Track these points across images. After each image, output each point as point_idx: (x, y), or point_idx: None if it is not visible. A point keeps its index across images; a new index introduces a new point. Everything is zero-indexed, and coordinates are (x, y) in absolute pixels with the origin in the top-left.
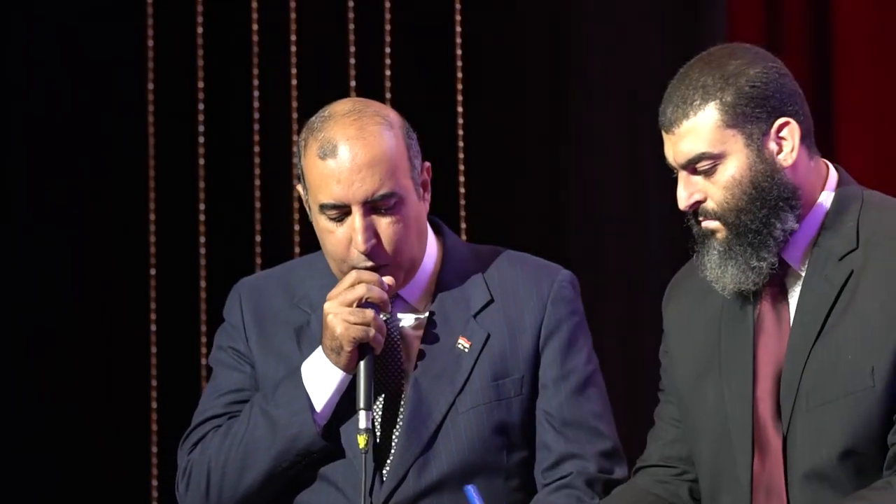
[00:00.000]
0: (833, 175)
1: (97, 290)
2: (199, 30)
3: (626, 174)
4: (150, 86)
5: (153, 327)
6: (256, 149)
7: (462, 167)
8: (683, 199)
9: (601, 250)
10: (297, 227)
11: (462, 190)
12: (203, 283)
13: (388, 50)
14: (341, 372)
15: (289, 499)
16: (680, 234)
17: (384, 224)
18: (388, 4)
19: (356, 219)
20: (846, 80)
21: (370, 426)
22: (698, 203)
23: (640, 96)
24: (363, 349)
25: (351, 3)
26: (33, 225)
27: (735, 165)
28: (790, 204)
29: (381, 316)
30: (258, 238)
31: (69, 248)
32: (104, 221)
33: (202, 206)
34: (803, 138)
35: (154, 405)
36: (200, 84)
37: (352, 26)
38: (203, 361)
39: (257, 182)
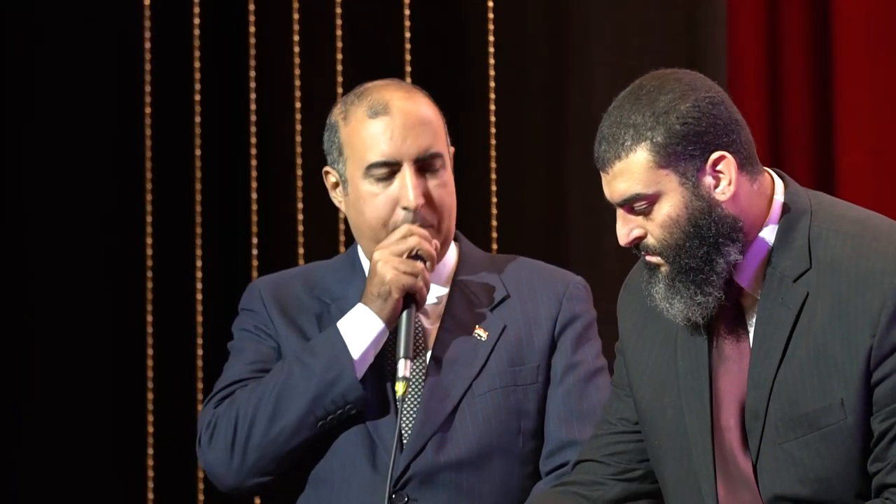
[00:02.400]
0: (779, 188)
1: (93, 293)
2: (196, 31)
3: None
4: (147, 88)
5: (149, 329)
6: (253, 151)
7: (494, 176)
8: (623, 235)
9: (601, 251)
10: (301, 228)
11: (494, 199)
12: (199, 286)
13: (407, 45)
14: (382, 323)
15: (304, 471)
16: None
17: (432, 185)
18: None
19: (408, 175)
20: (846, 79)
21: (408, 375)
22: (639, 239)
23: None
24: (407, 301)
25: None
26: (28, 225)
27: (671, 204)
28: (731, 238)
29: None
30: (254, 240)
31: (65, 249)
32: (100, 223)
33: (198, 209)
34: (742, 167)
35: (150, 407)
36: (197, 87)
37: (339, 21)
38: (200, 363)
39: (254, 185)
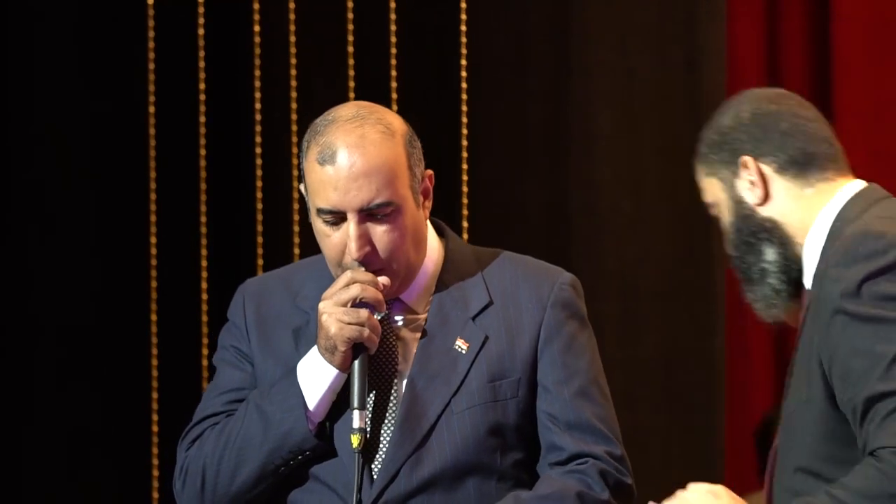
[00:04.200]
0: (839, 198)
1: (97, 292)
2: (201, 31)
3: (626, 174)
4: (151, 87)
5: (154, 328)
6: (258, 150)
7: (465, 166)
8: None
9: (601, 251)
10: (297, 229)
11: (465, 189)
12: (204, 286)
13: (393, 51)
14: (335, 370)
15: (281, 499)
16: (679, 234)
17: (379, 232)
18: (392, 5)
19: (351, 226)
20: (846, 79)
21: (364, 426)
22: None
23: (641, 97)
24: (357, 349)
25: (350, 3)
26: (32, 227)
27: (722, 209)
28: (765, 238)
29: (377, 315)
30: (260, 240)
31: (69, 249)
32: (105, 224)
33: (203, 208)
34: (784, 171)
35: (155, 406)
36: (202, 86)
37: (351, 27)
38: (205, 363)
39: (259, 184)
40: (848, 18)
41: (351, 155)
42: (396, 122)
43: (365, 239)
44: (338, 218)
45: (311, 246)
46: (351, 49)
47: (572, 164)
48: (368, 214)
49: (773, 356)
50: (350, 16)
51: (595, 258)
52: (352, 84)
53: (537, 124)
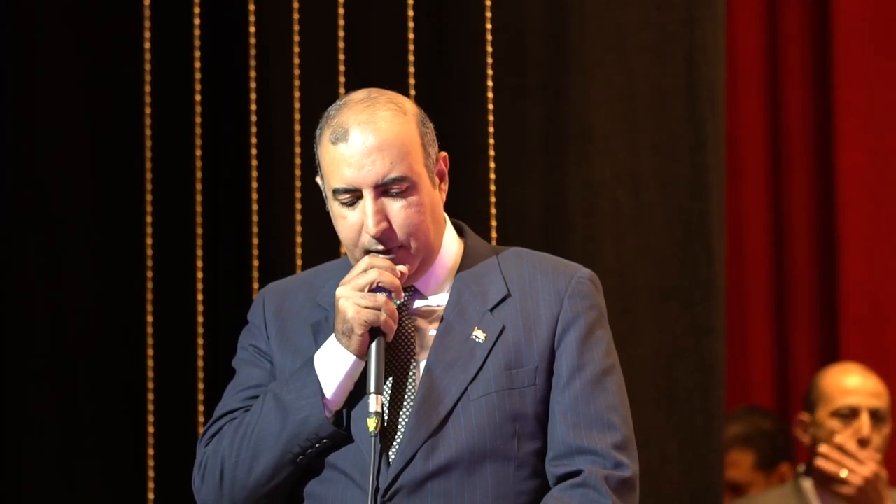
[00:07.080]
0: None
1: (93, 293)
2: (196, 31)
3: (625, 173)
4: (147, 88)
5: (150, 329)
6: (254, 151)
7: (493, 176)
8: None
9: (599, 250)
10: (299, 229)
11: (493, 198)
12: (200, 286)
13: (411, 48)
14: (353, 356)
15: (299, 491)
16: (678, 233)
17: (396, 208)
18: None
19: (367, 202)
20: (846, 79)
21: (380, 410)
22: None
23: (640, 96)
24: (374, 334)
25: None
26: (27, 228)
27: None
28: None
29: (395, 302)
30: (255, 240)
31: (65, 250)
32: (101, 224)
33: (199, 209)
34: None
35: (151, 407)
36: (198, 86)
37: (341, 22)
38: (200, 364)
39: (254, 184)
40: (848, 18)
41: (363, 131)
42: (408, 104)
43: (381, 215)
44: (354, 197)
45: (312, 249)
46: (341, 45)
47: (571, 163)
48: (384, 191)
49: (774, 356)
50: (340, 11)
51: (594, 257)
52: (342, 80)
53: (536, 124)
